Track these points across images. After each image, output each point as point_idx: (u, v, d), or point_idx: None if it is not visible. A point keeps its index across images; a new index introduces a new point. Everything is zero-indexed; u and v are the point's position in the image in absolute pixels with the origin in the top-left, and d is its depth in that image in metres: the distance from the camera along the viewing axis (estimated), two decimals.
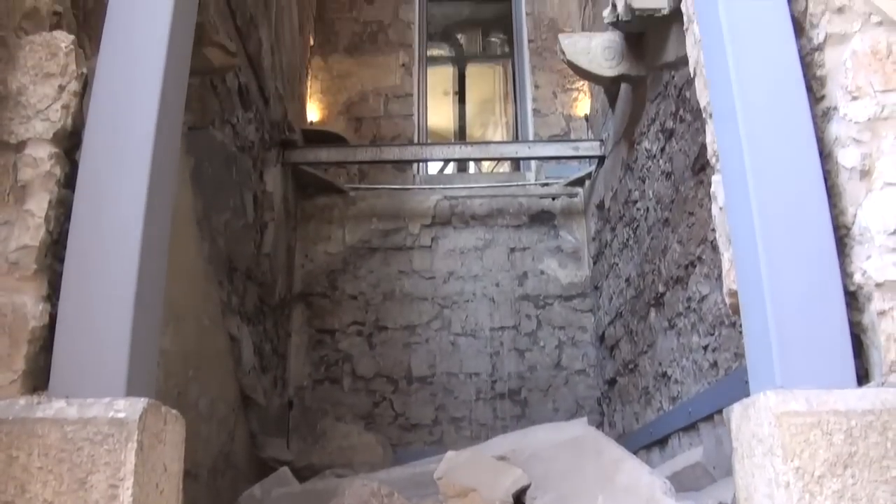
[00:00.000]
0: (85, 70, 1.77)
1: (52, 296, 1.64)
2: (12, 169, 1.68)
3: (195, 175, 4.19)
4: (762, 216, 1.53)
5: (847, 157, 1.57)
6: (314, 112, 8.27)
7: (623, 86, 5.64)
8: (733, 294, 1.74)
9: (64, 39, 1.75)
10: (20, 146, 1.69)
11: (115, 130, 1.69)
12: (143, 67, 1.76)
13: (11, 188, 1.67)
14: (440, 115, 11.68)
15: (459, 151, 7.97)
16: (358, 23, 8.78)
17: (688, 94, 4.06)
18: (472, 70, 11.84)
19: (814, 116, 1.64)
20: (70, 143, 1.74)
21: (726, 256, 1.79)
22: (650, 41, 4.89)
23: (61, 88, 1.72)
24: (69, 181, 1.71)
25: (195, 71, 3.43)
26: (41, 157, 1.68)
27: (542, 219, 7.79)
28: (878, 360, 1.47)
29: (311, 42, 8.47)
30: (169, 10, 1.81)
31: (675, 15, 4.06)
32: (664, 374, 4.81)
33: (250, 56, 5.44)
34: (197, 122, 4.18)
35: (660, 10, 4.32)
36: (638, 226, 5.51)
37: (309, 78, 8.31)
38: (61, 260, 1.66)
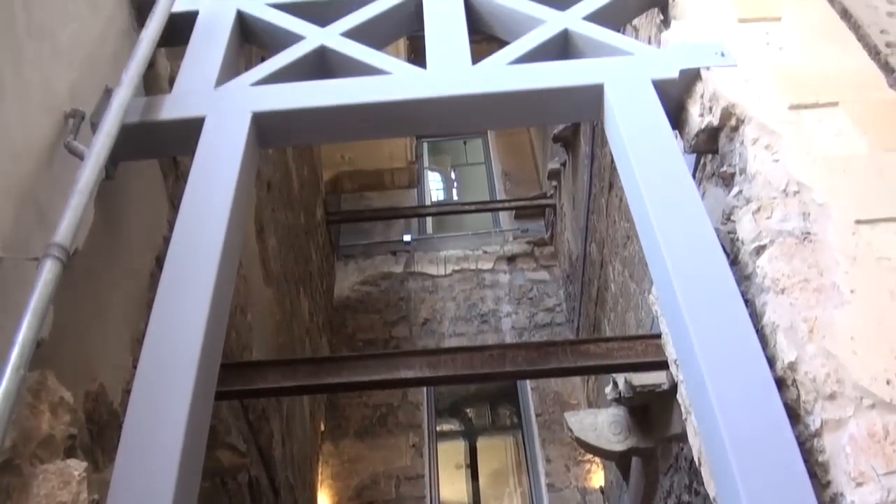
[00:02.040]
0: (97, 496, 1.79)
1: None
2: None
3: None
4: None
5: None
6: (325, 499, 8.14)
7: (634, 458, 5.61)
8: None
9: (77, 467, 1.78)
10: None
11: None
12: (156, 483, 1.77)
13: None
14: (453, 489, 11.44)
15: None
16: (367, 406, 8.97)
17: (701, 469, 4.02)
18: (482, 443, 11.84)
19: None
20: None
21: None
22: (655, 414, 4.96)
23: None
24: None
25: (206, 473, 3.44)
26: None
27: None
28: None
29: (322, 428, 8.58)
30: (182, 428, 1.87)
31: (676, 389, 4.17)
32: None
33: (261, 449, 5.48)
34: None
35: (660, 385, 4.44)
36: None
37: (320, 464, 8.29)
38: None
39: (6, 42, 2.10)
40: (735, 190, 2.29)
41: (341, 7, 3.01)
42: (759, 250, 2.02)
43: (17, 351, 1.73)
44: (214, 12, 3.00)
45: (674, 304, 1.97)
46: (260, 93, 2.63)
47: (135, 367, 1.97)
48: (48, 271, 1.89)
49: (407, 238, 11.28)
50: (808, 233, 2.00)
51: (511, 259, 10.92)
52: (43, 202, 2.19)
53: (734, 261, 2.13)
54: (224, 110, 2.55)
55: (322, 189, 9.93)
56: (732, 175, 2.37)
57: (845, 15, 2.79)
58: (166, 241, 2.33)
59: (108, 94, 2.54)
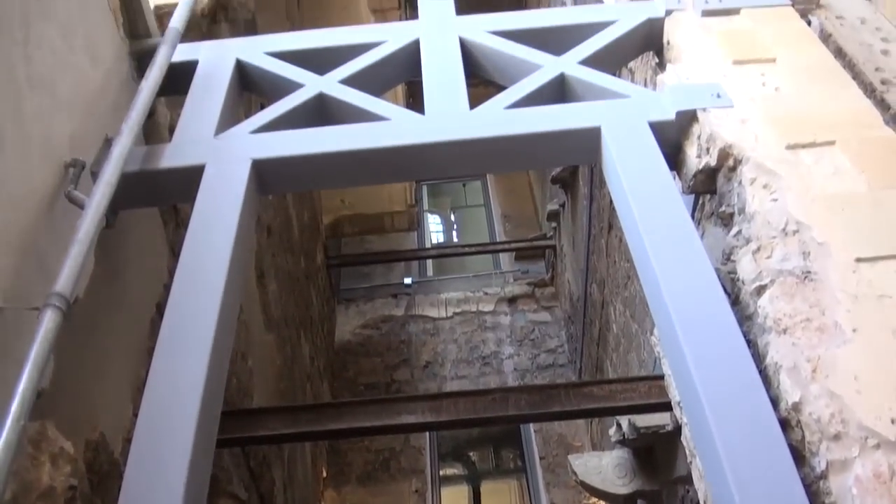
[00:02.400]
0: None
1: None
2: None
3: None
4: None
5: None
6: None
7: (640, 501, 5.55)
8: None
9: None
10: None
11: None
12: None
13: None
14: None
15: None
16: (370, 451, 8.89)
17: None
18: (486, 487, 11.70)
19: None
20: None
21: None
22: (660, 456, 4.91)
23: None
24: None
25: None
26: None
27: None
28: None
29: (324, 474, 8.49)
30: (183, 477, 1.84)
31: (680, 430, 4.13)
32: None
33: (263, 497, 5.42)
34: None
35: (664, 426, 4.41)
36: None
37: None
38: None
39: (6, 93, 2.12)
40: (734, 230, 2.29)
41: (339, 55, 3.04)
42: (760, 290, 2.01)
43: (17, 402, 1.72)
44: (214, 62, 3.04)
45: (676, 345, 1.96)
46: (259, 140, 2.65)
47: (135, 416, 1.95)
48: (48, 321, 1.89)
49: (407, 281, 11.28)
50: (809, 272, 2.00)
51: (512, 300, 10.90)
52: (43, 251, 2.20)
53: (735, 301, 2.12)
54: (224, 158, 2.56)
55: (322, 233, 9.95)
56: (731, 215, 2.37)
57: (840, 54, 2.82)
58: (167, 288, 2.33)
59: (108, 143, 2.56)
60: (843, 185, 2.22)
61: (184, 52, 3.05)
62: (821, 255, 2.02)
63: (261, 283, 5.85)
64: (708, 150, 2.46)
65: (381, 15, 9.52)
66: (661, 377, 2.96)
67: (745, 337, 1.93)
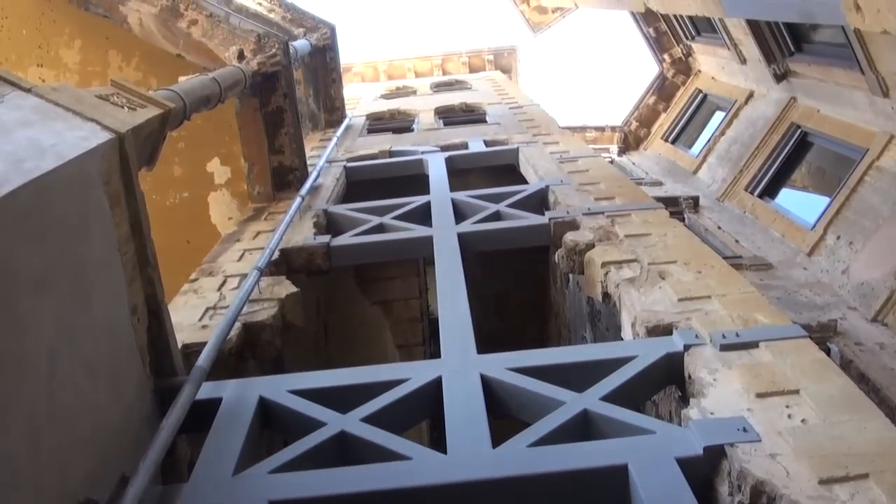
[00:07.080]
0: None
1: None
2: None
3: None
4: None
5: None
6: None
7: None
8: None
9: None
10: None
11: None
12: None
13: None
14: None
15: None
16: None
17: None
18: None
19: None
20: None
21: None
22: None
23: None
24: None
25: None
26: None
27: None
28: None
29: None
30: None
31: None
32: None
33: None
34: None
35: None
36: None
37: None
38: None
39: (26, 429, 2.12)
40: None
41: (362, 393, 3.08)
42: None
43: None
44: (237, 399, 3.08)
45: None
46: (278, 481, 2.60)
47: None
48: None
49: None
50: None
51: None
52: None
53: None
54: (240, 501, 2.50)
55: None
56: None
57: (863, 379, 2.82)
58: None
59: (123, 482, 2.52)
60: None
61: (208, 390, 3.11)
62: None
63: None
64: (740, 487, 2.37)
65: (406, 350, 9.73)
66: None
67: None
